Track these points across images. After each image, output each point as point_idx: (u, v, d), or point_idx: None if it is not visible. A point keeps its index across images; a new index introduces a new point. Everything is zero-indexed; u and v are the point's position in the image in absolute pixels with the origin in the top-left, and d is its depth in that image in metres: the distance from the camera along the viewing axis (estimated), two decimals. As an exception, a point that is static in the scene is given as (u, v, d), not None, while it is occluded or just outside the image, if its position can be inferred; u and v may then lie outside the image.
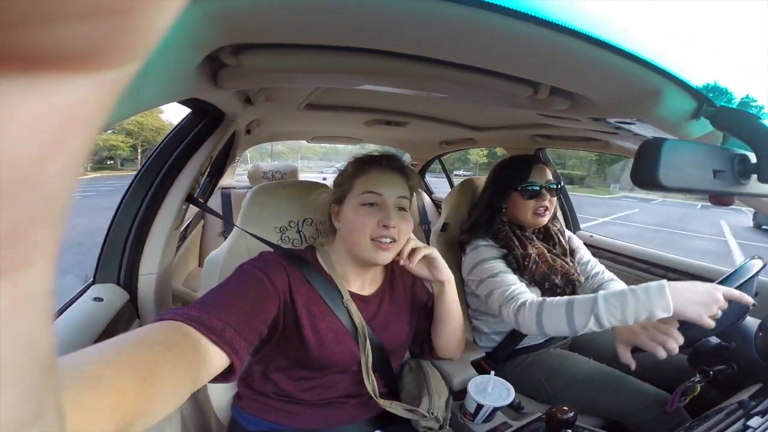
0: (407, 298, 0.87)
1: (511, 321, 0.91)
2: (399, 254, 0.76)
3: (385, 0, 0.41)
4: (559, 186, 1.10)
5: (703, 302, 0.72)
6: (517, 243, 1.05)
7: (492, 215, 1.12)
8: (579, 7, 0.45)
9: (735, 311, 0.86)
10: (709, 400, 0.86)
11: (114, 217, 0.98)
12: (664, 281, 0.76)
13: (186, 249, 1.99)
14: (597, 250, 1.66)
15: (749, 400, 0.71)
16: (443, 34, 0.48)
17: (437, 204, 2.73)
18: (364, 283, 0.81)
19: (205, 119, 1.03)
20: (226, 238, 0.97)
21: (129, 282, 0.96)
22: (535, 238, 1.10)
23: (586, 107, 0.69)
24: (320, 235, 0.94)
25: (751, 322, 0.89)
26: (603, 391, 0.99)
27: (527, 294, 0.93)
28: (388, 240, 0.71)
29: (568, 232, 1.25)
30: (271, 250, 0.81)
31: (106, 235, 0.97)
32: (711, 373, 0.85)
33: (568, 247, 1.16)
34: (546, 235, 1.16)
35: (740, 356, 0.85)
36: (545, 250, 1.07)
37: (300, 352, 0.71)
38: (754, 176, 0.57)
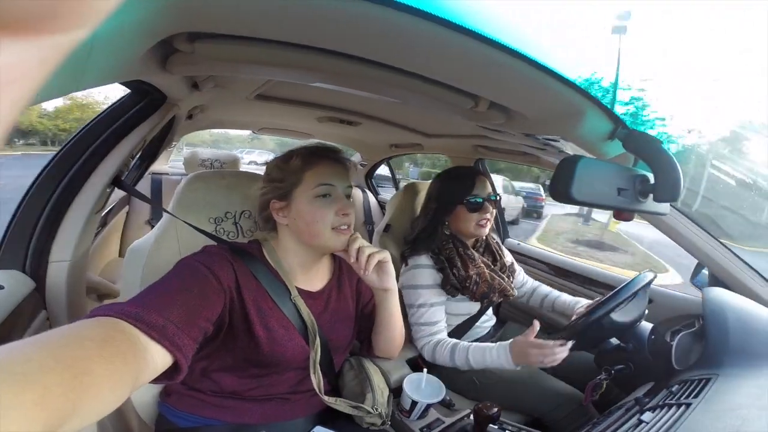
0: (353, 296, 0.88)
1: (423, 353, 1.08)
2: (349, 254, 0.75)
3: (340, 4, 0.42)
4: (498, 198, 1.16)
5: (537, 355, 0.91)
6: (459, 264, 1.10)
7: (435, 228, 1.16)
8: (516, 27, 0.50)
9: (631, 315, 0.98)
10: (614, 397, 0.96)
11: (25, 196, 0.86)
12: (509, 342, 0.96)
13: (106, 236, 1.83)
14: (523, 257, 1.80)
15: (644, 397, 0.79)
16: (395, 42, 0.51)
17: (382, 205, 2.77)
18: (311, 279, 0.81)
19: (144, 100, 0.95)
20: (153, 227, 0.91)
21: (36, 269, 0.86)
22: (476, 255, 1.14)
23: (519, 123, 0.76)
24: (258, 228, 0.92)
25: (645, 326, 1.01)
26: (526, 390, 1.07)
27: (437, 335, 1.08)
28: (346, 227, 0.74)
29: (505, 252, 1.33)
30: (209, 242, 0.77)
31: (13, 215, 0.86)
32: (612, 372, 0.96)
33: (505, 262, 1.24)
34: (486, 248, 1.22)
35: (636, 357, 0.96)
36: (485, 269, 1.12)
37: (249, 350, 0.70)
38: (651, 196, 0.66)
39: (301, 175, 0.74)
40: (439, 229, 1.16)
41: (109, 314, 0.45)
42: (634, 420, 0.70)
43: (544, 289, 1.34)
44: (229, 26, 0.49)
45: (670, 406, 0.69)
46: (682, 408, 0.66)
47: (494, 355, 0.97)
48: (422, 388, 0.88)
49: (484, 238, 1.21)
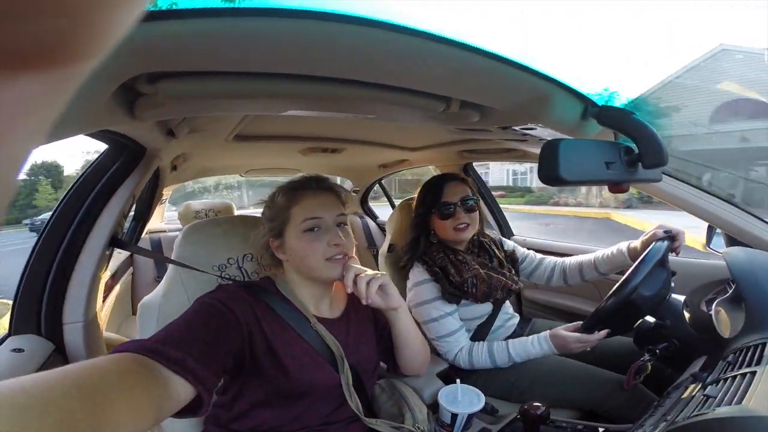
0: (371, 319, 0.87)
1: (458, 363, 1.08)
2: (346, 285, 0.73)
3: (293, 26, 0.42)
4: (475, 200, 1.15)
5: (573, 344, 0.98)
6: (453, 270, 1.10)
7: (418, 238, 1.18)
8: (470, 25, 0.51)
9: (657, 288, 0.94)
10: (668, 376, 0.91)
11: (27, 262, 0.90)
12: (547, 332, 1.03)
13: (117, 297, 1.81)
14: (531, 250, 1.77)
15: (701, 372, 0.76)
16: (359, 56, 0.51)
17: (382, 228, 2.76)
18: (326, 307, 0.81)
19: (124, 155, 0.97)
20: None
21: (52, 332, 0.90)
22: (469, 259, 1.13)
23: (492, 117, 0.76)
24: (263, 269, 0.91)
25: (676, 299, 0.97)
26: (569, 383, 1.03)
27: (461, 342, 1.09)
28: (340, 256, 0.73)
29: (504, 240, 1.32)
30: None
31: (20, 282, 0.90)
32: (657, 351, 0.91)
33: (504, 256, 1.22)
34: (480, 248, 1.21)
35: (677, 332, 0.92)
36: (481, 270, 1.11)
37: (279, 381, 0.69)
38: (640, 165, 0.65)
39: (288, 212, 0.74)
40: (421, 239, 1.18)
41: (130, 350, 0.47)
42: (698, 396, 0.66)
43: (561, 261, 1.28)
44: (188, 63, 0.49)
45: (734, 377, 0.65)
46: (748, 377, 0.62)
47: (536, 345, 1.02)
48: (459, 400, 0.85)
49: (476, 238, 1.21)
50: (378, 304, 0.77)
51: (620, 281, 0.94)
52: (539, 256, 1.31)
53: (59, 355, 0.89)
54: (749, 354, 0.70)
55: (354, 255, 0.77)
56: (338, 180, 2.18)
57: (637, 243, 1.10)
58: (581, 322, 1.00)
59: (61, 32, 0.09)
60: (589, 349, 0.97)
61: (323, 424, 0.75)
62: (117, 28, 0.10)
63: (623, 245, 1.14)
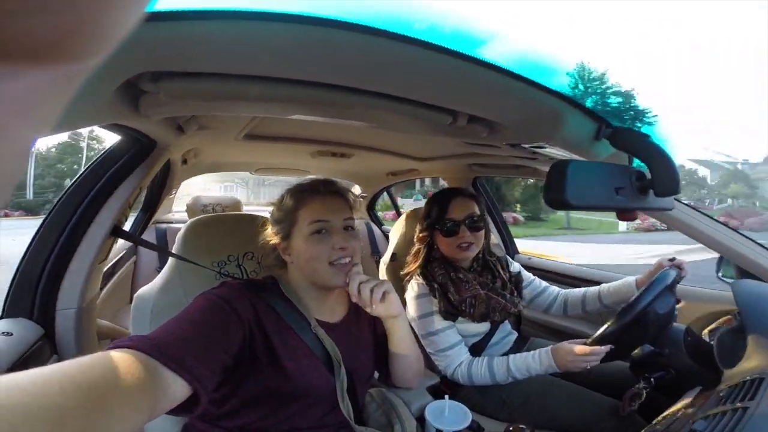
0: (370, 326, 0.87)
1: (457, 377, 1.06)
2: (351, 294, 0.74)
3: (301, 32, 0.41)
4: (481, 219, 1.13)
5: (576, 360, 0.94)
6: (452, 288, 1.08)
7: (419, 251, 1.18)
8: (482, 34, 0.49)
9: (652, 323, 0.93)
10: (659, 405, 0.89)
11: (28, 248, 0.91)
12: (550, 347, 1.00)
13: (116, 285, 1.84)
14: (535, 270, 1.74)
15: (693, 403, 0.75)
16: (362, 65, 0.50)
17: (387, 235, 2.75)
18: (328, 311, 0.81)
19: (134, 147, 0.98)
20: None
21: (44, 317, 0.90)
22: (471, 278, 1.11)
23: (501, 133, 0.74)
24: (263, 269, 0.92)
25: (678, 328, 0.96)
26: (562, 404, 1.02)
27: (461, 356, 1.07)
28: (346, 260, 0.73)
29: (511, 261, 1.29)
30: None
31: (18, 267, 0.91)
32: (652, 379, 0.91)
33: (508, 277, 1.19)
34: (485, 267, 1.18)
35: (675, 361, 0.91)
36: (480, 290, 1.09)
37: (276, 382, 0.69)
38: (651, 191, 0.62)
39: (296, 214, 0.74)
40: (421, 252, 1.17)
41: (128, 346, 0.46)
42: (686, 430, 0.65)
43: (565, 292, 1.27)
44: (193, 64, 0.49)
45: (724, 412, 0.63)
46: (739, 413, 0.61)
47: (537, 360, 0.99)
48: (446, 416, 0.83)
49: (481, 256, 1.19)
50: (379, 312, 0.77)
51: (632, 299, 0.94)
52: (544, 284, 1.29)
53: (48, 341, 0.89)
54: (744, 389, 0.68)
55: (359, 262, 0.77)
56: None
57: (644, 276, 1.10)
58: (586, 340, 0.98)
59: (67, 29, 0.09)
60: (588, 368, 0.94)
61: (312, 427, 0.74)
62: (121, 26, 0.10)
63: (630, 278, 1.14)
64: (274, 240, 0.77)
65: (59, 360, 0.88)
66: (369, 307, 0.73)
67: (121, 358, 0.43)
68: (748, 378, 0.70)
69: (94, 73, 0.11)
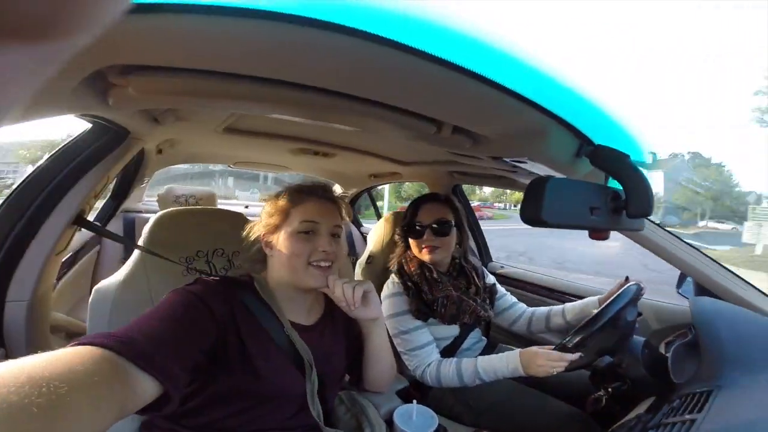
0: (345, 330, 0.87)
1: (426, 379, 1.07)
2: (337, 300, 0.75)
3: (282, 31, 0.39)
4: (453, 225, 1.15)
5: (544, 365, 0.94)
6: (426, 288, 1.11)
7: (401, 252, 1.22)
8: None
9: (621, 330, 0.96)
10: (615, 414, 0.93)
11: None
12: (518, 351, 1.00)
13: (76, 275, 1.75)
14: (506, 279, 1.79)
15: (645, 414, 0.77)
16: (344, 68, 0.48)
17: (365, 236, 2.73)
18: (303, 313, 0.80)
19: (105, 136, 0.93)
20: None
21: None
22: (445, 279, 1.15)
23: (485, 146, 0.74)
24: (232, 266, 0.91)
25: (638, 340, 1.00)
26: (526, 411, 1.04)
27: (432, 357, 1.08)
28: (326, 263, 0.74)
29: (487, 273, 1.32)
30: (182, 283, 0.74)
31: None
32: (609, 389, 0.95)
33: (482, 285, 1.22)
34: (460, 272, 1.21)
35: (632, 372, 0.96)
36: (453, 292, 1.12)
37: (246, 382, 0.68)
38: (625, 212, 0.64)
39: (288, 212, 0.76)
40: (403, 252, 1.21)
41: (94, 343, 0.44)
42: None
43: (532, 310, 1.31)
44: (165, 58, 0.46)
45: (674, 423, 0.67)
46: (687, 424, 0.64)
47: (504, 363, 1.00)
48: (413, 420, 0.84)
49: (458, 262, 1.22)
50: (358, 314, 0.78)
51: (601, 307, 0.98)
52: (514, 299, 1.34)
53: None
54: (694, 401, 0.71)
55: (338, 268, 0.77)
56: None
57: (605, 295, 1.14)
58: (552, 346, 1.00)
59: (53, 7, 0.09)
60: (555, 373, 0.95)
61: (279, 429, 0.74)
62: (106, 11, 0.10)
63: (593, 297, 1.20)
64: (260, 231, 0.78)
65: (6, 354, 0.84)
66: (349, 308, 0.74)
67: (85, 355, 0.41)
68: (697, 391, 0.74)
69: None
